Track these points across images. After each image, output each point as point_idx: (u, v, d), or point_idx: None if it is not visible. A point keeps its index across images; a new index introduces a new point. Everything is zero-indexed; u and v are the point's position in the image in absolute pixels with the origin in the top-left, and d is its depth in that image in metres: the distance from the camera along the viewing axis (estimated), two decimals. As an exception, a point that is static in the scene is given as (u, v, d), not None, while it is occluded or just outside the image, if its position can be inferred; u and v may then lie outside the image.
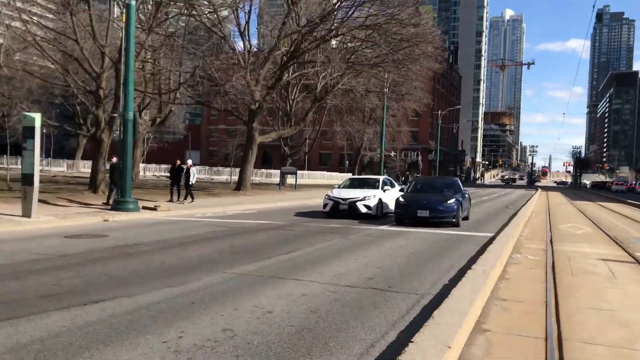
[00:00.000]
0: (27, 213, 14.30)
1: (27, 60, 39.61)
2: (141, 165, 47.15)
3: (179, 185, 22.22)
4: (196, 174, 23.25)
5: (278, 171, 55.28)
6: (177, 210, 19.14)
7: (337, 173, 71.33)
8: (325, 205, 18.36)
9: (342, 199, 17.93)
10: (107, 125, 22.20)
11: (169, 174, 23.87)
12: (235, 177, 46.45)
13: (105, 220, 15.53)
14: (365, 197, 17.90)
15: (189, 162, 22.90)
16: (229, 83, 24.44)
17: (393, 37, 27.35)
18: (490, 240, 12.77)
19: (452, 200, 15.73)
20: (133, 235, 12.21)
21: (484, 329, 5.33)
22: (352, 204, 17.71)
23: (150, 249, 10.30)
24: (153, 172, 53.45)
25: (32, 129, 14.10)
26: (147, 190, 27.36)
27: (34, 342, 4.66)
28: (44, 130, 65.44)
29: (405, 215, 15.90)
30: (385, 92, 38.72)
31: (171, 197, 22.35)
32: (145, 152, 58.70)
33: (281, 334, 5.07)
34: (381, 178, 20.37)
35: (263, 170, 60.73)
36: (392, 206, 19.49)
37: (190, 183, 22.02)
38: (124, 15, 17.75)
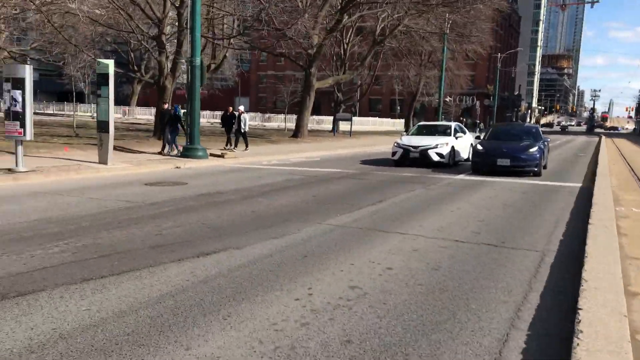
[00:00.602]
0: (103, 160, 14.47)
1: (81, 8, 39.81)
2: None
3: (231, 131, 21.89)
4: (248, 120, 22.79)
5: (328, 117, 54.67)
6: (244, 157, 19.05)
7: (388, 119, 69.99)
8: (394, 153, 17.82)
9: (413, 147, 17.32)
10: (170, 72, 22.04)
11: (220, 121, 23.46)
12: (289, 124, 46.27)
13: (177, 167, 15.59)
14: (437, 144, 17.23)
15: (241, 108, 22.32)
16: (295, 27, 23.60)
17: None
18: (583, 191, 12.04)
19: (535, 149, 14.89)
20: (211, 184, 12.12)
21: (632, 292, 4.86)
22: (424, 152, 17.11)
23: (234, 197, 10.16)
24: (207, 119, 53.77)
25: (107, 75, 14.03)
26: (206, 137, 27.45)
27: (165, 297, 4.51)
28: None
29: (483, 164, 15.21)
30: (446, 33, 36.89)
31: (227, 143, 22.07)
32: (198, 99, 58.93)
33: (414, 294, 4.76)
34: (453, 124, 19.56)
35: (313, 116, 60.18)
36: (464, 154, 18.80)
37: (243, 130, 21.64)
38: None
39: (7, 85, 12.10)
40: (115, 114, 53.82)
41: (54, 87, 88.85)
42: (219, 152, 18.91)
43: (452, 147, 17.46)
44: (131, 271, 5.19)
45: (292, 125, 46.59)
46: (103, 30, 46.10)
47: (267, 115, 59.92)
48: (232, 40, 26.84)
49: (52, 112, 57.88)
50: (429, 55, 45.79)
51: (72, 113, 56.33)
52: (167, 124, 18.22)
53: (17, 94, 11.98)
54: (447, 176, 14.67)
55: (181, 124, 18.43)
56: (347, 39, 41.69)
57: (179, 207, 8.93)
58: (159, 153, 18.17)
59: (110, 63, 14.15)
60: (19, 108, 12.04)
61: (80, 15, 21.30)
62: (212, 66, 40.35)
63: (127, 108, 56.93)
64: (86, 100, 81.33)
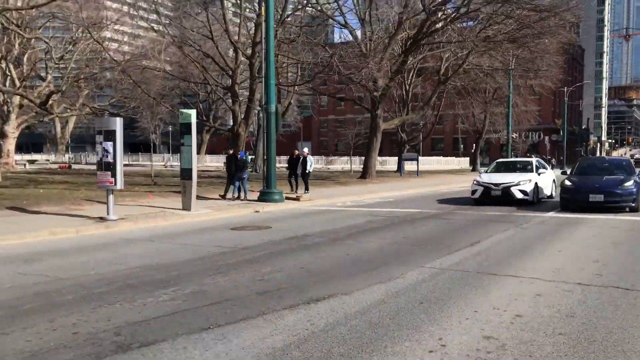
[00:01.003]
0: (187, 206, 14.75)
1: (157, 65, 42.20)
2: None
3: (296, 175, 21.88)
4: (313, 162, 22.38)
5: (391, 158, 54.32)
6: (318, 199, 18.98)
7: (452, 158, 68.79)
8: (474, 192, 17.19)
9: (494, 184, 16.66)
10: (243, 119, 22.62)
11: (287, 165, 23.22)
12: (353, 166, 46.34)
13: (256, 212, 15.66)
14: (520, 181, 16.51)
15: (305, 150, 22.14)
16: (364, 70, 23.82)
17: (529, 5, 25.14)
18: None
19: (631, 182, 13.94)
20: (296, 227, 12.01)
21: None
22: (506, 190, 16.41)
23: (323, 240, 9.97)
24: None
25: (189, 125, 14.46)
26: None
27: (289, 347, 4.28)
28: (170, 128, 69.83)
29: (573, 200, 14.36)
30: (512, 69, 36.19)
31: (291, 187, 21.75)
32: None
33: (558, 345, 4.29)
34: (534, 160, 18.76)
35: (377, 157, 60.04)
36: (547, 191, 17.96)
37: (307, 171, 21.25)
38: (263, 9, 17.77)
39: (99, 138, 12.65)
40: (178, 162, 55.57)
41: (127, 139, 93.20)
42: (293, 196, 18.96)
43: (536, 183, 16.68)
44: (246, 319, 5.01)
45: (356, 167, 46.61)
46: (174, 84, 48.65)
47: (330, 158, 60.40)
48: (296, 87, 27.37)
49: (127, 162, 60.69)
50: (494, 91, 44.99)
51: (146, 163, 59.09)
52: (234, 168, 18.30)
53: (109, 145, 12.48)
54: (536, 214, 13.92)
55: (244, 170, 18.43)
56: (409, 80, 41.74)
57: (272, 251, 8.81)
58: (222, 197, 18.30)
59: (193, 113, 14.60)
60: (110, 159, 12.52)
61: (158, 70, 22.41)
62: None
63: (198, 156, 58.96)
64: (157, 150, 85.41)
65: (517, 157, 52.19)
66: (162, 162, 59.86)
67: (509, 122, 39.66)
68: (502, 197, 16.46)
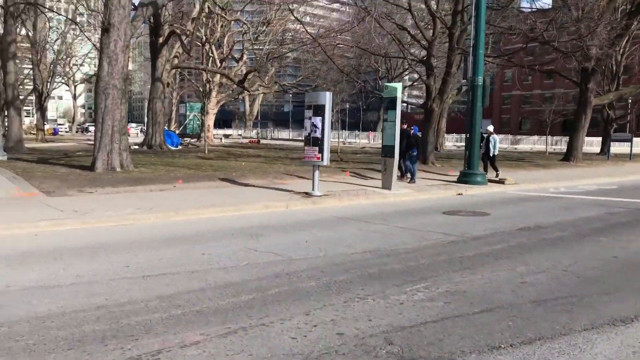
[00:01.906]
0: (387, 185, 14.06)
1: (339, 42, 42.44)
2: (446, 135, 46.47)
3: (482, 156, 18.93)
4: (498, 142, 19.59)
5: (593, 139, 48.17)
6: (524, 184, 16.97)
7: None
8: None
9: None
10: (438, 95, 21.28)
11: (464, 144, 20.47)
12: (549, 147, 42.14)
13: (459, 194, 14.40)
14: None
15: (490, 128, 19.32)
16: (579, 37, 20.60)
17: None
18: None
19: None
20: (517, 214, 10.53)
21: None
22: None
23: (565, 234, 8.40)
24: (453, 142, 52.43)
25: (394, 99, 13.64)
26: (458, 161, 25.91)
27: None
28: (347, 106, 70.92)
29: None
30: None
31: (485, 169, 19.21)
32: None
33: None
34: None
35: (563, 137, 53.87)
36: None
37: (492, 154, 18.66)
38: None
39: (308, 112, 12.45)
40: (361, 140, 56.07)
41: (303, 116, 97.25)
42: (496, 178, 17.24)
43: None
44: (541, 340, 3.92)
45: (549, 147, 42.26)
46: (353, 63, 48.79)
47: (517, 137, 55.87)
48: (497, 59, 25.01)
49: (301, 138, 63.06)
50: None
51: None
52: (405, 145, 15.99)
53: (318, 120, 12.21)
54: None
55: (417, 148, 16.68)
56: (621, 49, 36.10)
57: (510, 244, 7.56)
58: (400, 178, 16.77)
59: (398, 86, 13.75)
60: (318, 134, 12.25)
61: (351, 46, 22.02)
62: (463, 89, 39.12)
63: (372, 133, 58.97)
64: (333, 127, 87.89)
65: None
66: (336, 139, 60.94)
67: None
68: None
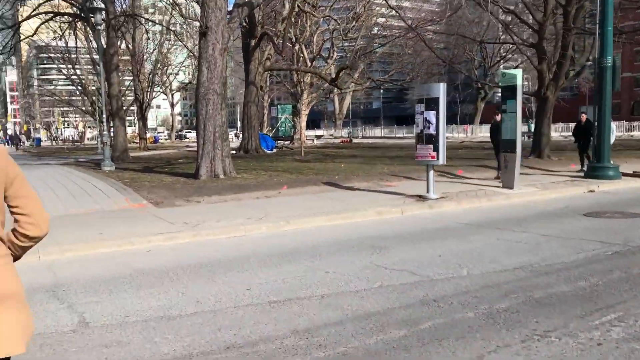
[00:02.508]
0: (508, 184, 12.69)
1: (436, 30, 40.68)
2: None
3: (586, 145, 16.37)
4: (615, 130, 17.18)
5: None
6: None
7: None
8: None
9: None
10: (552, 80, 19.34)
11: (573, 133, 17.58)
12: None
13: (590, 191, 12.72)
14: None
15: (585, 115, 16.82)
16: None
17: None
18: None
19: None
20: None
21: None
22: None
23: None
24: (559, 132, 48.69)
25: (514, 87, 12.25)
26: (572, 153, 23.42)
27: None
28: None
29: None
30: None
31: (582, 163, 16.67)
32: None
33: None
34: None
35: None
36: None
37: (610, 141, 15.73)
38: None
39: (419, 107, 11.43)
40: (458, 134, 53.69)
41: (393, 112, 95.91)
42: (630, 171, 15.21)
43: None
44: None
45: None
46: (448, 53, 46.81)
47: (633, 124, 50.99)
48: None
49: (393, 135, 61.60)
50: None
51: (409, 135, 59.11)
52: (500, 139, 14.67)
53: (431, 115, 11.15)
54: None
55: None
56: None
57: (699, 257, 6.14)
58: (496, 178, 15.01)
59: (518, 73, 12.34)
60: (432, 130, 11.20)
61: (451, 35, 20.64)
62: (571, 73, 35.99)
63: (469, 127, 56.32)
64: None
65: None
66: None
67: None
68: None
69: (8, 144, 77.71)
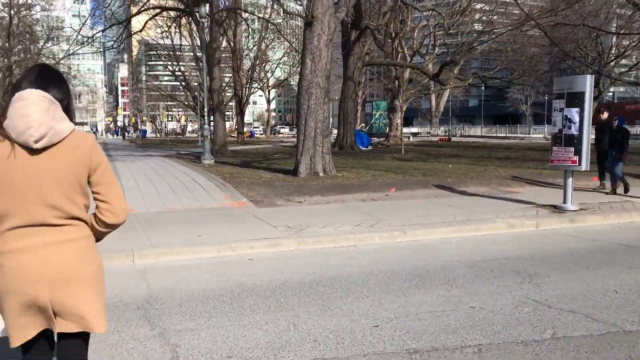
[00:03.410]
0: (663, 196, 10.60)
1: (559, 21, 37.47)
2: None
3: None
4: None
5: None
6: None
7: None
8: None
9: None
10: None
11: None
12: None
13: None
14: None
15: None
16: None
17: None
18: None
19: None
20: None
21: None
22: None
23: None
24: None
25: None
26: None
27: None
28: (547, 97, 63.79)
29: None
30: None
31: None
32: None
33: None
34: None
35: None
36: None
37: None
38: None
39: (558, 103, 9.72)
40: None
41: (491, 111, 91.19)
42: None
43: None
44: None
45: None
46: (548, 50, 43.08)
47: None
48: None
49: (495, 134, 58.07)
50: None
51: (512, 135, 55.42)
52: (607, 142, 12.08)
53: (574, 112, 9.41)
54: None
55: (624, 145, 11.69)
56: None
57: None
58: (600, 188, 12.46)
59: None
60: (574, 130, 9.46)
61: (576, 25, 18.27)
62: None
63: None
64: (525, 121, 79.99)
65: None
66: (532, 135, 54.83)
67: None
68: None
69: (116, 134, 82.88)
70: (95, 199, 2.17)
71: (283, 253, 7.05)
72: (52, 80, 2.12)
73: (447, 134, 54.98)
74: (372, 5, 31.69)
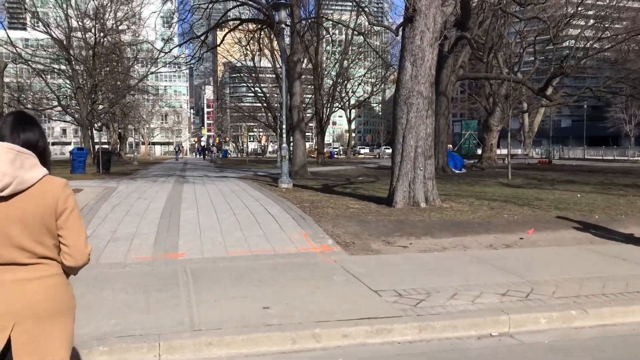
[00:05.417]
0: None
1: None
2: None
3: None
4: None
5: None
6: None
7: None
8: None
9: None
10: None
11: None
12: None
13: None
14: None
15: None
16: None
17: None
18: None
19: None
20: None
21: None
22: None
23: None
24: None
25: None
26: None
27: None
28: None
29: None
30: None
31: None
32: None
33: None
34: None
35: None
36: None
37: None
38: None
39: None
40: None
41: (587, 132, 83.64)
42: None
43: None
44: None
45: None
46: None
47: None
48: None
49: (600, 157, 52.15)
50: None
51: (622, 158, 49.37)
52: None
53: None
54: None
55: None
56: None
57: None
58: None
59: None
60: None
61: None
62: None
63: None
64: (627, 143, 72.01)
65: None
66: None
67: None
68: None
69: (198, 154, 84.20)
70: (59, 241, 2.25)
71: (397, 347, 4.34)
72: (29, 124, 2.26)
73: (547, 156, 50.06)
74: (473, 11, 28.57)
